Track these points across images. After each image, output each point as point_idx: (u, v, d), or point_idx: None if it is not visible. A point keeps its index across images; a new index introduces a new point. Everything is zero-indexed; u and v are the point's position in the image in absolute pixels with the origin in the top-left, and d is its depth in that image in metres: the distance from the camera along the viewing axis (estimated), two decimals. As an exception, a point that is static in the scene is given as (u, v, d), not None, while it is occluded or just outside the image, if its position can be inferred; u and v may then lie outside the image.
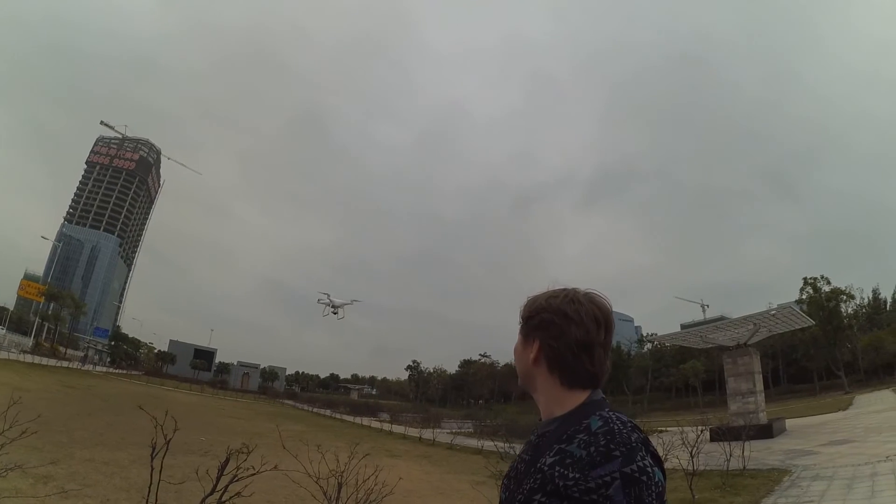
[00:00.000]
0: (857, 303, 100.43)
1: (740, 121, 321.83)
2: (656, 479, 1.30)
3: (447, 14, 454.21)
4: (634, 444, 1.32)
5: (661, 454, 1.43)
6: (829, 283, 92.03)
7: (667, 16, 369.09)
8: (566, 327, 1.55)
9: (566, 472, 1.31)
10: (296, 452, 7.34)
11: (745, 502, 11.57)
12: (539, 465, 1.41)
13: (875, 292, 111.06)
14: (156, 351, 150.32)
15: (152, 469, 5.29)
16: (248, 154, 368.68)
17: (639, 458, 1.30)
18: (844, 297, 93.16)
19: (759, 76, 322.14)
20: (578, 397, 1.53)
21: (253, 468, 5.71)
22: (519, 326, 1.73)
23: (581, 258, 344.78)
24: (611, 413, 1.43)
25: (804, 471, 14.98)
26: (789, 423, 31.23)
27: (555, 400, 1.57)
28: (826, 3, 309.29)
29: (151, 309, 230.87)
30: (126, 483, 11.13)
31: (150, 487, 5.38)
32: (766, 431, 25.55)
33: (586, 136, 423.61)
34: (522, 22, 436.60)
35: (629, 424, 1.38)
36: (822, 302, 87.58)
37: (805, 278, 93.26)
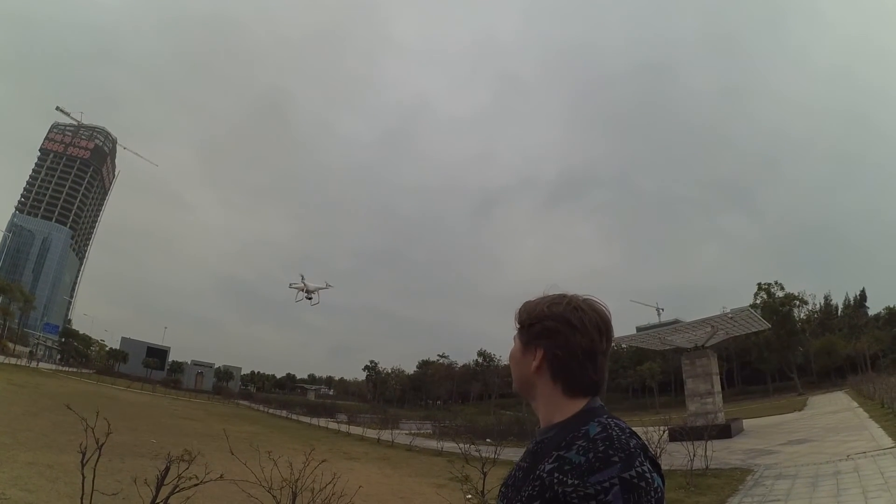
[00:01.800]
0: (810, 308, 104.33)
1: (700, 128, 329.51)
2: (655, 485, 1.27)
3: (417, 11, 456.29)
4: (633, 450, 1.30)
5: None
6: (782, 288, 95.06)
7: (631, 23, 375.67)
8: (571, 336, 1.51)
9: (565, 479, 1.28)
10: (247, 457, 6.87)
11: (711, 502, 11.51)
12: (538, 472, 1.37)
13: (827, 298, 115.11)
14: (107, 349, 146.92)
15: (83, 478, 4.76)
16: (205, 143, 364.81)
17: (637, 463, 1.27)
18: (797, 303, 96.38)
19: (723, 83, 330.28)
20: (578, 404, 1.50)
21: (196, 477, 5.25)
22: (517, 332, 1.67)
23: (539, 260, 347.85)
24: (609, 419, 1.41)
25: (766, 470, 15.09)
26: (747, 423, 31.82)
27: (555, 407, 1.53)
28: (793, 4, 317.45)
29: (103, 304, 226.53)
30: (70, 489, 10.50)
31: (81, 499, 4.83)
32: (725, 431, 25.86)
33: (549, 139, 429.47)
34: (491, 22, 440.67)
35: (627, 431, 1.38)
36: (775, 307, 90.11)
37: (759, 284, 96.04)
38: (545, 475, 1.33)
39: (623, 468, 1.24)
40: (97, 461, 4.88)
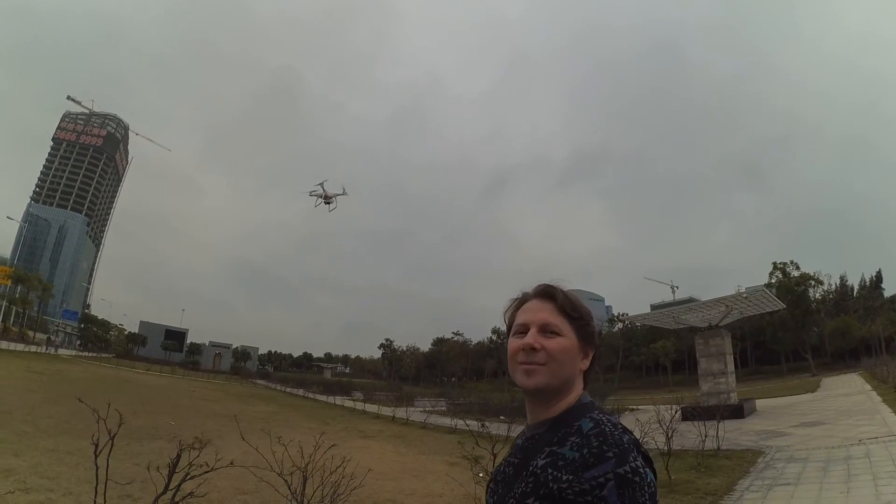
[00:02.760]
0: (825, 288, 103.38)
1: (714, 109, 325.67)
2: (649, 480, 1.28)
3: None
4: (627, 446, 1.31)
5: (638, 434, 1.44)
6: (798, 268, 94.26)
7: (642, 3, 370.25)
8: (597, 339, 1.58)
9: (559, 475, 1.29)
10: (259, 441, 6.93)
11: (721, 483, 11.49)
12: (531, 468, 1.38)
13: (843, 279, 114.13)
14: (126, 333, 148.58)
15: (97, 468, 4.81)
16: (215, 127, 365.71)
17: (631, 458, 1.28)
18: (813, 283, 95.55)
19: (734, 65, 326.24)
20: (570, 401, 1.51)
21: (207, 465, 5.29)
22: (566, 322, 1.54)
23: (551, 237, 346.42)
24: (601, 415, 1.42)
25: (778, 452, 15.04)
26: (759, 403, 31.62)
27: (556, 405, 1.52)
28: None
29: (121, 289, 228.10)
30: (90, 474, 10.54)
31: (96, 488, 4.92)
32: (737, 412, 25.79)
33: (560, 119, 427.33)
34: (501, 1, 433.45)
35: (620, 426, 1.38)
36: (790, 286, 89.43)
37: (775, 263, 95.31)
38: (539, 471, 1.34)
39: (617, 463, 1.25)
40: (110, 451, 4.94)
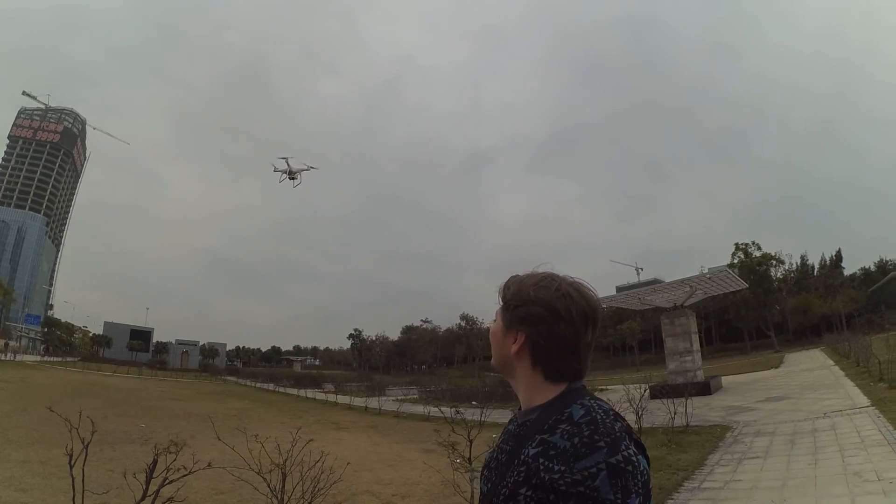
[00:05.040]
0: (786, 268, 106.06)
1: (686, 83, 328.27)
2: (641, 468, 1.27)
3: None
4: (618, 434, 1.29)
5: None
6: (759, 248, 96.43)
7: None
8: (555, 325, 1.46)
9: (551, 465, 1.28)
10: (235, 440, 6.86)
11: (692, 459, 11.70)
12: (522, 456, 1.36)
13: (803, 258, 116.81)
14: (91, 335, 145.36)
15: (72, 479, 4.74)
16: (180, 111, 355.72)
17: (623, 447, 1.26)
18: (774, 262, 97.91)
19: (708, 39, 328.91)
20: (558, 388, 1.47)
21: (185, 468, 5.21)
22: (499, 307, 1.61)
23: (522, 221, 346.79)
24: (592, 402, 1.40)
25: (745, 427, 15.37)
26: (725, 380, 32.33)
27: (535, 391, 1.50)
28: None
29: (83, 290, 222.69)
30: (64, 483, 10.24)
31: (73, 500, 4.84)
32: (704, 389, 26.33)
33: (534, 97, 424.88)
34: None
35: (611, 413, 1.37)
36: (752, 266, 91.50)
37: (737, 244, 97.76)
38: (530, 460, 1.33)
39: (609, 453, 1.24)
40: (85, 459, 4.87)
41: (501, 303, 1.60)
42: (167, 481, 5.16)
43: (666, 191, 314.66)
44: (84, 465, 4.84)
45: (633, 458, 1.25)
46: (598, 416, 1.32)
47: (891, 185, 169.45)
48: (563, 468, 1.25)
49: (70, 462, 4.75)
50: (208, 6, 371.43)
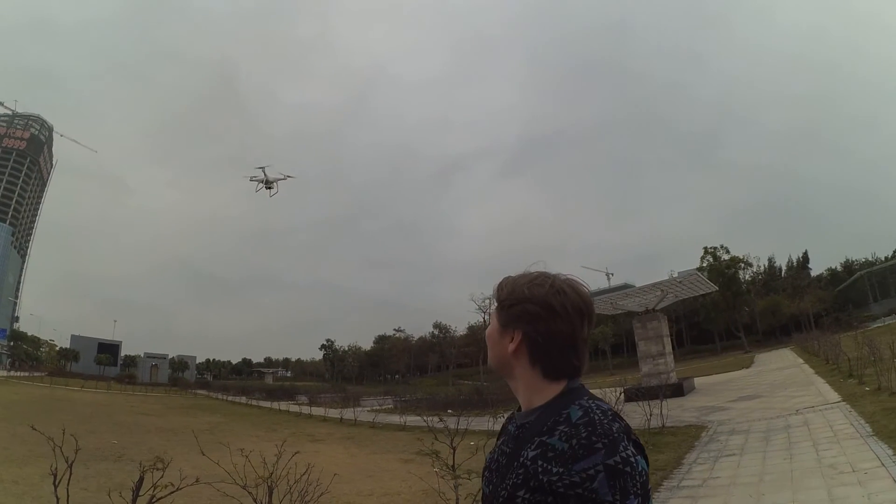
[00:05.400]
0: (755, 270, 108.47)
1: (660, 88, 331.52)
2: (640, 469, 1.26)
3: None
4: (616, 435, 1.28)
5: None
6: (728, 252, 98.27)
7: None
8: (552, 322, 1.46)
9: (549, 467, 1.28)
10: (219, 455, 6.78)
11: (669, 458, 11.80)
12: (521, 458, 1.37)
13: (771, 260, 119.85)
14: (57, 348, 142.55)
15: (57, 499, 4.64)
16: (150, 120, 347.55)
17: (621, 448, 1.26)
18: (742, 265, 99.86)
19: (684, 44, 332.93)
20: (557, 387, 1.47)
21: (172, 485, 5.10)
22: (494, 309, 1.64)
23: (497, 227, 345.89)
24: (590, 402, 1.40)
25: (720, 426, 15.56)
26: (697, 381, 32.72)
27: (535, 391, 1.50)
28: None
29: (50, 302, 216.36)
30: (38, 503, 10.24)
31: None
32: (677, 390, 26.56)
33: (509, 104, 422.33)
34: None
35: (610, 413, 1.36)
36: (721, 269, 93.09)
37: (706, 248, 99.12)
38: (529, 462, 1.33)
39: (607, 454, 1.24)
40: (69, 480, 4.79)
41: (496, 304, 1.61)
42: (155, 499, 5.03)
43: (636, 196, 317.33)
44: (68, 484, 4.75)
45: (632, 459, 1.25)
46: (596, 417, 1.32)
47: (859, 185, 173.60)
48: (561, 470, 1.25)
49: (55, 483, 4.66)
50: (181, 8, 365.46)
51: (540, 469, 1.29)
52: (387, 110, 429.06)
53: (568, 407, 1.38)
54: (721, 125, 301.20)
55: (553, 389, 1.47)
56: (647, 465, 1.33)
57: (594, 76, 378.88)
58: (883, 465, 8.29)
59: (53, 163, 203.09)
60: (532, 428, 1.42)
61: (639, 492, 1.23)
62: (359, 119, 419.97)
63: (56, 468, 4.68)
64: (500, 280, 1.63)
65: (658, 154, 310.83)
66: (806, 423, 13.36)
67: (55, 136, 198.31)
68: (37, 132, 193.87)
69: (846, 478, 8.03)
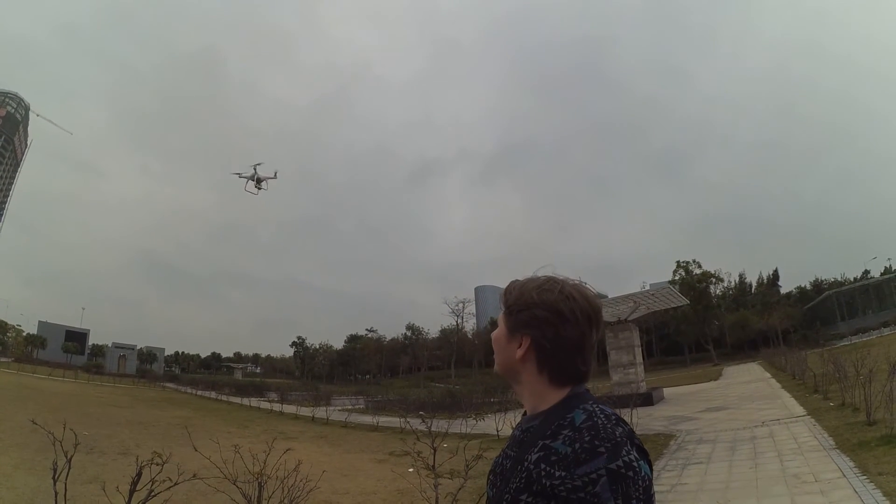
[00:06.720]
0: (725, 285, 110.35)
1: (634, 103, 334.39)
2: (643, 474, 1.27)
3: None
4: (619, 439, 1.29)
5: None
6: (699, 266, 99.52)
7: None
8: (561, 327, 1.47)
9: (552, 471, 1.28)
10: (179, 452, 6.79)
11: (639, 466, 12.05)
12: (525, 462, 1.37)
13: (741, 276, 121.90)
14: (24, 334, 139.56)
15: (56, 493, 4.69)
16: (122, 97, 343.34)
17: (624, 452, 1.26)
18: (714, 280, 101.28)
19: (660, 62, 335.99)
20: (563, 392, 1.48)
21: (170, 479, 5.11)
22: (502, 314, 1.62)
23: (469, 231, 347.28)
24: (594, 406, 1.40)
25: (688, 435, 15.86)
26: (667, 391, 33.10)
27: (540, 396, 1.51)
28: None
29: (17, 285, 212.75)
30: (13, 494, 10.00)
31: None
32: (647, 400, 26.84)
33: (486, 110, 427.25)
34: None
35: (613, 417, 1.36)
36: (693, 283, 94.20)
37: (678, 261, 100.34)
38: (532, 466, 1.33)
39: (609, 459, 1.24)
40: (67, 477, 4.84)
41: (503, 308, 1.61)
42: (153, 494, 5.05)
43: (610, 207, 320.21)
44: (67, 479, 4.82)
45: (634, 464, 1.26)
46: (600, 421, 1.32)
47: (828, 209, 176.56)
48: (563, 474, 1.26)
49: (54, 477, 4.71)
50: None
51: (543, 473, 1.30)
52: (364, 110, 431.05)
53: (572, 411, 1.39)
54: (694, 142, 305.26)
55: (558, 394, 1.48)
56: (651, 470, 1.34)
57: (572, 86, 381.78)
58: (844, 476, 8.65)
59: (28, 143, 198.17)
60: (536, 432, 1.42)
61: (641, 497, 1.24)
62: (336, 117, 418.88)
63: (56, 463, 4.76)
64: (508, 284, 1.63)
65: (628, 168, 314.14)
66: (771, 434, 13.71)
67: (31, 116, 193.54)
68: (13, 110, 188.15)
69: (809, 487, 8.37)
